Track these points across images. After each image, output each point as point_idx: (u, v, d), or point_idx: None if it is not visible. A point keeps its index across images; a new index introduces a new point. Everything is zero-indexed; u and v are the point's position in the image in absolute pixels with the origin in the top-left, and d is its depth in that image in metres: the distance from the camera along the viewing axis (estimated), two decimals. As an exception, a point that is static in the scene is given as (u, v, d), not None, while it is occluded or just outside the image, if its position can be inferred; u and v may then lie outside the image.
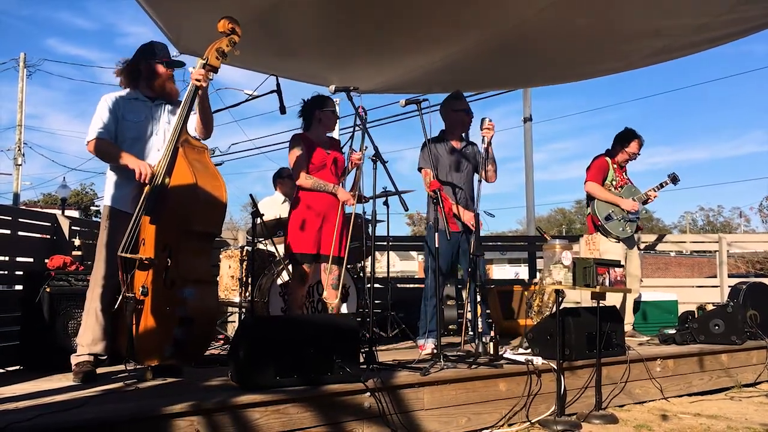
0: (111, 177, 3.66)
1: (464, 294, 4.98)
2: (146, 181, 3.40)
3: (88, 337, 3.52)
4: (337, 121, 4.56)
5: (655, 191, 5.71)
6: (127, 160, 3.49)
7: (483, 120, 4.40)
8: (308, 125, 4.58)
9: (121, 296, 3.36)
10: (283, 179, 6.35)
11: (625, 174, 5.72)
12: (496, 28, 5.15)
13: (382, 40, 5.38)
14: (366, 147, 4.18)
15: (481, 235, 4.43)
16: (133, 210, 3.47)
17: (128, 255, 3.38)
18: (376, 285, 6.63)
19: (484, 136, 4.37)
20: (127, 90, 3.72)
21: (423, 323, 4.61)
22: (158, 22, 4.83)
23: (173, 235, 3.36)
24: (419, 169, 4.69)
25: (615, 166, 5.62)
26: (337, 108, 4.74)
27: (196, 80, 3.41)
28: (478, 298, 4.40)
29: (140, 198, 3.43)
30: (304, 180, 4.39)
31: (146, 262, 3.36)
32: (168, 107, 3.76)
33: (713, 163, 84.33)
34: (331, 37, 5.33)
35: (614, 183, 5.58)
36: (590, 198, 5.60)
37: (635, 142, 5.60)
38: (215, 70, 3.46)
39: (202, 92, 3.46)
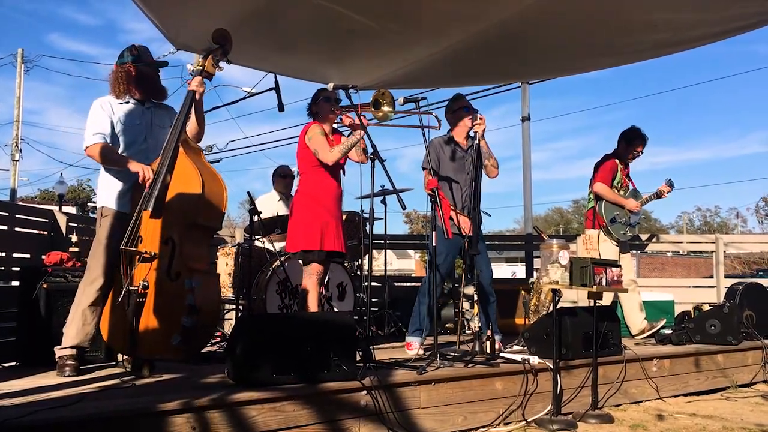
0: (105, 177, 3.73)
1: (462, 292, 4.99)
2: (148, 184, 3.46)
3: (73, 330, 3.56)
4: (334, 107, 4.47)
5: (655, 196, 5.74)
6: (130, 164, 3.57)
7: (474, 116, 4.43)
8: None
9: (124, 290, 3.37)
10: (278, 177, 6.35)
11: (628, 175, 5.77)
12: (494, 20, 5.12)
13: (380, 33, 5.36)
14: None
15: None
16: (128, 209, 3.60)
17: (131, 248, 3.42)
18: (373, 283, 6.64)
19: (475, 132, 4.40)
20: (118, 96, 3.76)
21: (414, 321, 4.59)
22: (154, 20, 4.83)
23: (177, 228, 3.48)
24: (423, 168, 4.68)
25: (621, 166, 5.68)
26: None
27: (194, 87, 3.60)
28: (475, 297, 4.41)
29: (137, 196, 3.52)
30: (332, 156, 4.31)
31: (148, 255, 3.42)
32: (158, 110, 3.86)
33: (717, 164, 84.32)
34: (329, 30, 5.31)
35: (620, 185, 5.65)
36: (598, 198, 5.65)
37: (639, 140, 5.68)
38: (210, 77, 3.68)
39: (199, 97, 3.65)
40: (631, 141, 5.68)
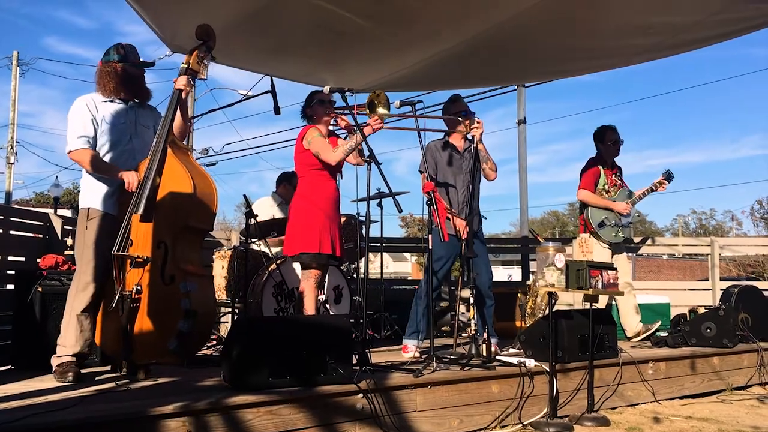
0: (90, 178, 3.67)
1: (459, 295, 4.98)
2: (133, 190, 3.42)
3: (72, 338, 3.52)
4: (329, 110, 4.44)
5: (650, 191, 5.70)
6: (113, 170, 3.53)
7: (472, 119, 4.44)
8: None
9: (117, 295, 3.35)
10: (286, 183, 6.25)
11: (618, 175, 5.75)
12: (490, 23, 5.14)
13: (377, 36, 5.37)
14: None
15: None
16: (114, 210, 3.57)
17: (123, 253, 3.38)
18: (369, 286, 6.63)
19: (473, 135, 4.42)
20: (105, 93, 3.71)
21: (410, 323, 4.57)
22: (149, 22, 4.82)
23: (169, 231, 3.43)
24: (420, 172, 4.68)
25: (606, 168, 5.67)
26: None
27: (181, 86, 3.59)
28: (472, 300, 4.41)
29: (123, 197, 3.50)
30: (335, 156, 4.25)
31: (140, 260, 3.38)
32: (141, 110, 3.81)
33: (712, 166, 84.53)
34: (325, 33, 5.32)
35: (606, 187, 5.63)
36: (584, 205, 5.64)
37: (608, 132, 5.71)
38: (196, 74, 3.68)
39: (185, 96, 3.64)
40: (602, 137, 5.70)
